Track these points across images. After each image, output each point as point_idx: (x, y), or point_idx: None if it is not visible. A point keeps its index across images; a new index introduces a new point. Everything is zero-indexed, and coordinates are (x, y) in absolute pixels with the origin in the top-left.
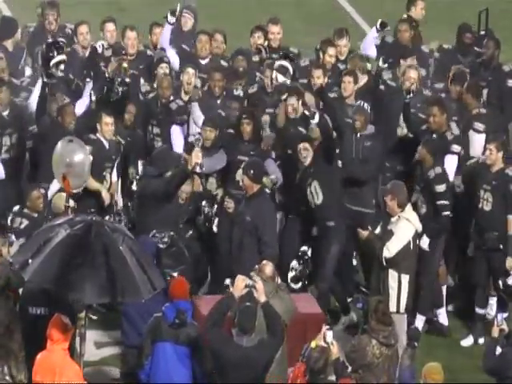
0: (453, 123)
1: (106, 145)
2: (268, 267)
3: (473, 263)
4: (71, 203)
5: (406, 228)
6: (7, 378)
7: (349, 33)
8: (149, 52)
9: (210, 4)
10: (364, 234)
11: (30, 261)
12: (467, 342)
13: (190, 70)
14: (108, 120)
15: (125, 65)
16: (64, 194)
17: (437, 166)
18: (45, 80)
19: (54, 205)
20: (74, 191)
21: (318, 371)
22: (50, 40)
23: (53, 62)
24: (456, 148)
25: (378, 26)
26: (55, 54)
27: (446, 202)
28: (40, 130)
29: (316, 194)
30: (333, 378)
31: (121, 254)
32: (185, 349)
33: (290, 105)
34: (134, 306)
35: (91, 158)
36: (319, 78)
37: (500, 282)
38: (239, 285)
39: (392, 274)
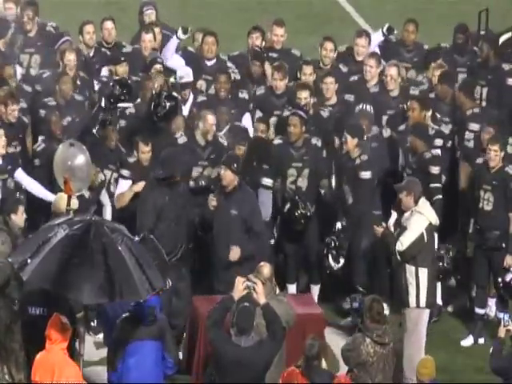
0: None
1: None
2: (266, 269)
3: (473, 263)
4: (73, 203)
5: (418, 221)
6: (6, 377)
7: (369, 35)
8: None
9: (210, 4)
10: (379, 230)
11: (28, 261)
12: (467, 342)
13: (210, 118)
14: (145, 149)
15: (172, 79)
16: (66, 196)
17: (431, 149)
18: (102, 106)
19: (55, 205)
20: (76, 194)
21: (313, 357)
22: (119, 78)
23: (121, 105)
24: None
25: (385, 31)
26: (123, 94)
27: (438, 185)
28: None
29: (348, 194)
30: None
31: (119, 254)
32: (156, 343)
33: (303, 98)
34: (111, 306)
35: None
36: (311, 75)
37: (499, 280)
38: (239, 286)
39: (409, 269)
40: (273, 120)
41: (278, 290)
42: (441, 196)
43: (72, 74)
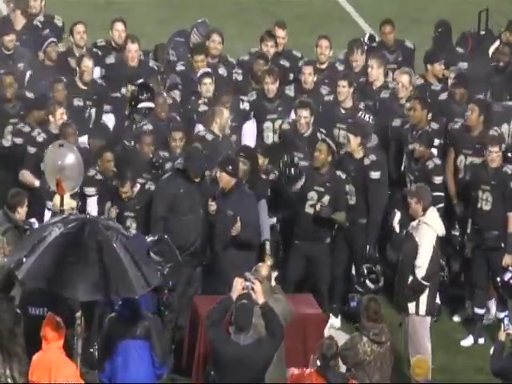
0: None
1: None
2: (264, 268)
3: (472, 263)
4: (67, 203)
5: (427, 236)
6: (9, 380)
7: (362, 46)
8: (151, 64)
9: (210, 4)
10: None
11: (24, 259)
12: (467, 342)
13: (226, 112)
14: (177, 136)
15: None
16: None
17: (434, 157)
18: (127, 113)
19: (54, 205)
20: (68, 194)
21: (331, 357)
22: (142, 81)
23: (141, 105)
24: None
25: (367, 40)
26: (144, 96)
27: (441, 194)
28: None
29: (350, 196)
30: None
31: (114, 252)
32: (143, 342)
33: (303, 117)
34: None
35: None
36: (310, 75)
37: (497, 279)
38: (237, 286)
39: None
40: (267, 125)
41: (273, 282)
42: (443, 205)
43: (88, 80)
